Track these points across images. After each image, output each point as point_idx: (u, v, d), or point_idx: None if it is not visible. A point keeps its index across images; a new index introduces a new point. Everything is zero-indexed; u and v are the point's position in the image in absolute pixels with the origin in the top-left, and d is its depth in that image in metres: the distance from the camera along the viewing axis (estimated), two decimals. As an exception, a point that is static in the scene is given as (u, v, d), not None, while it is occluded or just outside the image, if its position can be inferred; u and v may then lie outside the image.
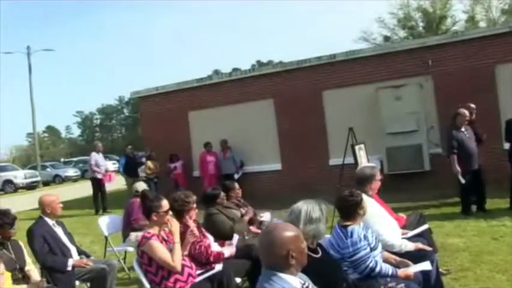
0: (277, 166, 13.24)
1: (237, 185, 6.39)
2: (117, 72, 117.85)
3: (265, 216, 6.02)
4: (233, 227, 5.48)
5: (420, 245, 4.45)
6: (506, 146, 9.41)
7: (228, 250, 4.90)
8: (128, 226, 6.85)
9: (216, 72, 50.70)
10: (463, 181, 8.14)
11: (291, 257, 2.44)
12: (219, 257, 4.69)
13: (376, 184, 4.86)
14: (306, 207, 3.25)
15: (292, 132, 12.93)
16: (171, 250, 4.14)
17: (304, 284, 2.55)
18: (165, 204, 4.35)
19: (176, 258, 4.10)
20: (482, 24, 30.53)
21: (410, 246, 4.43)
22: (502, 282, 4.96)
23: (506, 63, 10.85)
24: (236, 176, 12.57)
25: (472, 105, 8.48)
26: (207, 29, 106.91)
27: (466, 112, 8.29)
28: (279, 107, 13.22)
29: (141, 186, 7.47)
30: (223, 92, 13.87)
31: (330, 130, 12.51)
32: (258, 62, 63.57)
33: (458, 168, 8.14)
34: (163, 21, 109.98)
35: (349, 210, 4.02)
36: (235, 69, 29.42)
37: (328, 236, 4.07)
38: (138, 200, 6.89)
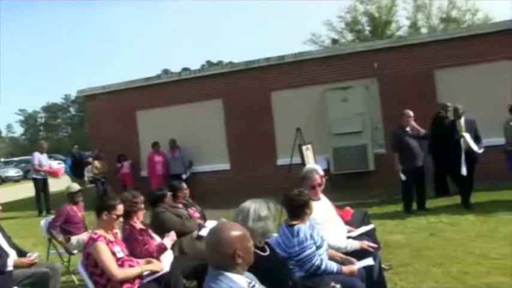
0: (226, 166, 13.24)
1: (184, 185, 6.33)
2: (63, 71, 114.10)
3: (210, 225, 5.91)
4: (183, 224, 5.43)
5: (365, 244, 4.58)
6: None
7: (169, 240, 4.85)
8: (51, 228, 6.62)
9: (165, 71, 50.07)
10: (403, 178, 8.50)
11: (238, 256, 2.44)
12: (161, 249, 4.64)
13: (315, 188, 4.81)
14: (254, 205, 3.27)
15: (240, 132, 12.97)
16: (114, 253, 4.05)
17: (250, 283, 2.57)
18: (120, 208, 4.26)
19: (124, 273, 4.01)
20: (423, 30, 31.69)
21: (355, 245, 4.54)
22: (438, 275, 5.20)
23: (445, 68, 11.33)
24: (184, 176, 12.47)
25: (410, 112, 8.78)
26: (158, 28, 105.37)
27: (410, 112, 8.64)
28: (227, 107, 13.22)
29: (75, 187, 7.16)
30: (172, 91, 13.72)
31: (278, 130, 12.63)
32: (208, 62, 63.25)
33: (400, 166, 8.49)
34: (114, 19, 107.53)
35: (297, 209, 4.07)
36: (184, 69, 29.13)
37: (275, 234, 4.12)
38: (71, 206, 6.74)
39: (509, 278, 4.89)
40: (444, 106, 9.55)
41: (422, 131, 8.67)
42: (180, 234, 5.20)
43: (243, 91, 12.95)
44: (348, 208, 5.59)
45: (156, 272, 4.25)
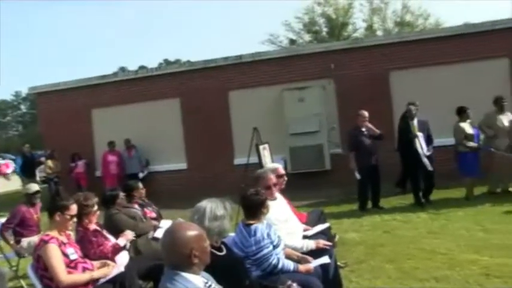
0: (183, 165, 13.14)
1: (140, 185, 6.25)
2: (13, 67, 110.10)
3: (164, 225, 5.84)
4: (137, 225, 5.36)
5: (321, 243, 4.64)
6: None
7: (123, 240, 4.77)
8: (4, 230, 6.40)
9: (122, 69, 49.12)
10: (358, 177, 8.70)
11: (194, 256, 2.42)
12: (115, 250, 4.56)
13: (270, 188, 4.83)
14: (210, 205, 3.25)
15: (198, 131, 12.90)
16: (66, 255, 3.94)
17: (207, 283, 2.55)
18: (73, 208, 4.14)
19: (71, 279, 3.86)
20: (379, 33, 32.37)
21: (311, 245, 4.59)
22: (391, 271, 5.34)
23: (399, 70, 11.64)
24: (141, 175, 12.33)
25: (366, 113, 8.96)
26: (115, 25, 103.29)
27: (365, 113, 8.83)
28: (185, 106, 13.12)
29: (33, 187, 6.90)
30: (129, 90, 13.49)
31: (235, 130, 12.64)
32: (166, 60, 62.49)
33: (355, 165, 8.67)
34: (70, 15, 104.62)
35: (253, 209, 4.08)
36: (141, 67, 28.67)
37: (232, 234, 4.12)
38: (27, 208, 6.52)
39: (455, 271, 5.11)
40: (413, 104, 9.78)
41: (377, 131, 8.87)
42: (135, 236, 5.13)
43: (201, 90, 12.88)
44: (303, 212, 5.65)
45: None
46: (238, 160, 11.83)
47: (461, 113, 9.00)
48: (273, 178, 4.91)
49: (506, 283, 4.69)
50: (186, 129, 13.15)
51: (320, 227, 5.23)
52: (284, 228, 4.61)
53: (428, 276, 5.05)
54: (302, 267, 4.05)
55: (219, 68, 12.88)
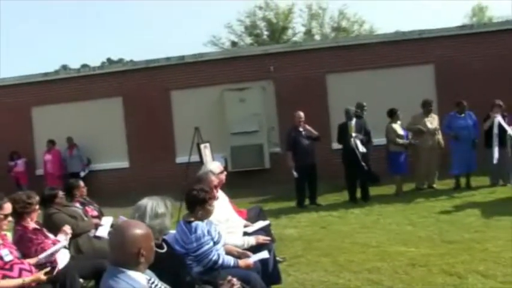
0: (125, 164, 12.86)
1: (81, 183, 6.06)
2: None
3: (105, 221, 5.71)
4: (77, 225, 5.18)
5: (261, 239, 4.69)
6: (335, 146, 10.41)
7: (62, 235, 4.62)
8: None
9: (64, 67, 47.26)
10: (296, 175, 8.85)
11: (141, 255, 2.39)
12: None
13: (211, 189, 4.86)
14: (151, 203, 3.20)
15: (140, 130, 12.66)
16: (0, 257, 3.74)
17: (150, 280, 2.52)
18: (7, 207, 3.92)
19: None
20: (317, 37, 33.04)
21: (252, 241, 4.63)
22: (327, 265, 5.49)
23: (335, 73, 11.95)
24: (82, 174, 11.96)
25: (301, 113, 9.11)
26: (58, 23, 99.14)
27: (301, 113, 9.00)
28: (127, 105, 12.83)
29: None
30: (71, 88, 13.01)
31: (177, 129, 12.51)
32: (108, 59, 60.67)
33: (293, 163, 8.82)
34: (11, 10, 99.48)
35: (196, 206, 4.06)
36: (84, 66, 27.66)
37: (173, 231, 4.08)
38: None
39: (386, 262, 5.33)
40: (361, 105, 10.05)
41: (315, 133, 9.06)
42: (74, 235, 4.97)
43: (143, 90, 12.65)
44: (243, 209, 5.69)
45: (48, 273, 3.98)
46: (180, 159, 11.71)
47: (393, 114, 9.37)
48: (214, 180, 4.92)
49: (430, 271, 4.95)
50: (128, 128, 12.87)
51: (261, 224, 5.30)
52: (225, 228, 4.62)
53: (362, 268, 5.24)
54: (242, 263, 4.07)
55: (161, 68, 12.69)
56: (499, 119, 8.84)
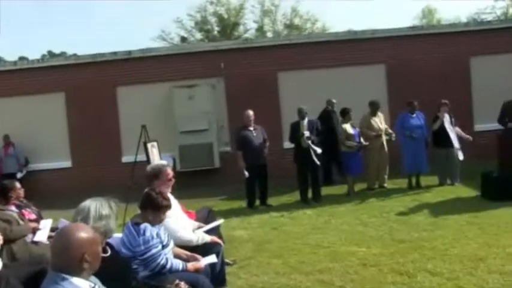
0: (67, 163, 12.46)
1: (18, 185, 5.81)
2: None
3: (44, 225, 5.51)
4: (11, 230, 4.97)
5: (215, 238, 4.71)
6: (286, 145, 10.53)
7: None
8: None
9: (-1, 60, 45.29)
10: (246, 175, 8.88)
11: (85, 260, 2.31)
12: None
13: (168, 182, 4.92)
14: (94, 204, 3.12)
15: (84, 128, 12.29)
16: None
17: (94, 286, 2.46)
18: None
19: None
20: (269, 34, 33.28)
21: (207, 238, 4.65)
22: (278, 266, 5.54)
23: (287, 72, 12.07)
24: (19, 175, 11.45)
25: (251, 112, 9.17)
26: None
27: (250, 112, 9.04)
28: (70, 101, 12.44)
29: None
30: (7, 82, 12.45)
31: (123, 127, 12.26)
32: (50, 52, 58.61)
33: (243, 163, 8.85)
34: None
35: (150, 208, 4.02)
36: (21, 58, 26.53)
37: (119, 234, 4.01)
38: None
39: (337, 263, 5.46)
40: (331, 102, 10.14)
41: (264, 136, 9.13)
42: (8, 241, 4.74)
43: (88, 85, 12.29)
44: (191, 211, 5.68)
45: None
46: (126, 158, 11.49)
47: (345, 114, 9.56)
48: (170, 173, 4.95)
49: (380, 271, 5.11)
50: (71, 125, 12.47)
51: (214, 224, 5.33)
52: (179, 221, 4.67)
53: (313, 269, 5.32)
54: (190, 266, 4.06)
55: (107, 63, 12.40)
56: (447, 120, 9.21)
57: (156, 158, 7.81)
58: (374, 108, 9.72)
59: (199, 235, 4.70)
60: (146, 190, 4.20)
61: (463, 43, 12.02)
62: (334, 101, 10.36)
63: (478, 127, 11.76)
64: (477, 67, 12.07)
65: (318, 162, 8.97)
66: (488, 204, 7.68)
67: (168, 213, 4.54)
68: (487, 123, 10.79)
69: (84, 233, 2.36)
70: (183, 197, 5.67)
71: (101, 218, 3.10)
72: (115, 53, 12.52)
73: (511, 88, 9.06)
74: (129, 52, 12.47)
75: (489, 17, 29.92)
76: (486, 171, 8.43)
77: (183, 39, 34.04)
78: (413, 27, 14.25)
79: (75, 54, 14.42)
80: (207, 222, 5.43)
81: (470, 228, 6.54)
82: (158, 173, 4.88)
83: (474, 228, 6.52)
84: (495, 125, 9.14)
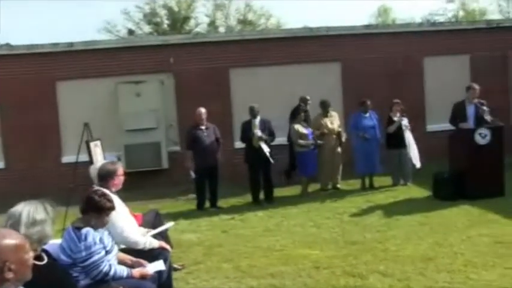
0: (0, 164, 11.97)
1: None
2: None
3: None
4: None
5: (164, 244, 4.65)
6: (238, 145, 10.54)
7: None
8: None
9: None
10: (193, 176, 8.83)
11: (8, 269, 2.19)
12: None
13: (119, 180, 4.90)
14: (27, 208, 2.98)
15: (19, 125, 11.79)
16: None
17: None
18: None
19: None
20: (221, 29, 33.22)
21: (155, 243, 4.59)
22: (229, 271, 5.56)
23: (239, 68, 12.06)
24: None
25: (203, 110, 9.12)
26: None
27: (202, 110, 8.99)
28: (3, 96, 11.85)
29: None
30: None
31: (64, 125, 11.86)
32: (-21, 42, 56.20)
33: (191, 164, 8.80)
34: None
35: (92, 211, 3.92)
36: None
37: (57, 240, 3.88)
38: None
39: (290, 266, 5.53)
40: (304, 99, 10.16)
41: (217, 135, 9.10)
42: None
43: (23, 79, 11.82)
44: (138, 213, 5.60)
45: None
46: (67, 158, 11.15)
47: (296, 115, 9.68)
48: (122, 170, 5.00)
49: (333, 273, 5.21)
50: (4, 122, 11.95)
51: (164, 227, 5.28)
52: (127, 221, 4.63)
53: (264, 273, 5.36)
54: (136, 272, 3.98)
55: (46, 55, 11.95)
56: (404, 121, 9.48)
57: (100, 158, 7.65)
58: (324, 107, 9.87)
59: (147, 239, 4.65)
60: (87, 192, 4.10)
61: (417, 43, 12.38)
62: (308, 97, 10.36)
63: (430, 127, 12.15)
64: (430, 67, 12.46)
65: (272, 161, 9.02)
66: (439, 204, 7.99)
67: (117, 210, 4.48)
68: (439, 124, 11.16)
69: (6, 239, 2.23)
70: (128, 199, 5.55)
71: (34, 223, 2.97)
72: (55, 45, 12.06)
73: (461, 89, 9.38)
74: (71, 44, 12.07)
75: (441, 19, 31.12)
76: (438, 171, 8.75)
77: (131, 32, 33.46)
78: (368, 26, 14.54)
79: (7, 44, 13.66)
80: (154, 225, 5.37)
81: (421, 228, 6.80)
82: (113, 172, 4.85)
83: (425, 228, 6.79)
84: (447, 126, 9.46)
